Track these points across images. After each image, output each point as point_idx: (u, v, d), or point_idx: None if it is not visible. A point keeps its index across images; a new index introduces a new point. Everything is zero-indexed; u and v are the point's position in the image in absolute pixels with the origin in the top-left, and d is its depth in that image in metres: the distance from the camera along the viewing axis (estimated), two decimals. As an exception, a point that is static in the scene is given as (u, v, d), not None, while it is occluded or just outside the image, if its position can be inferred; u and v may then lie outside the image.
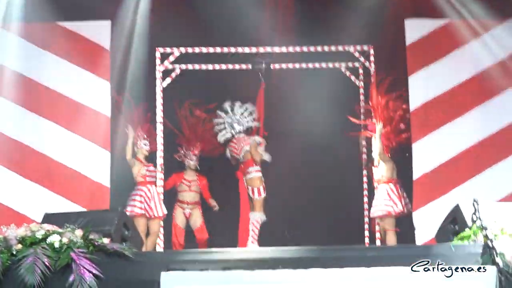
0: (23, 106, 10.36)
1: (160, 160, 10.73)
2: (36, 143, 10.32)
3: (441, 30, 10.63)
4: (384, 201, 10.41)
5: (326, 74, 11.31)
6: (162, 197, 10.72)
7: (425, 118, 10.45)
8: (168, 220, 10.97)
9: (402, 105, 10.62)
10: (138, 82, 10.91)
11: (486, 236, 6.79)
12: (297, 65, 11.27)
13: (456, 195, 9.99)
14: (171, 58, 10.94)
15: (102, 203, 10.09)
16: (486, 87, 10.44)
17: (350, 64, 11.25)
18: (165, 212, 10.69)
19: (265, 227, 10.95)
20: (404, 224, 10.43)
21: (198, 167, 11.28)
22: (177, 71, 11.05)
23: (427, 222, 9.87)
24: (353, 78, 11.23)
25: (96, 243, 6.98)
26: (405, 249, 7.66)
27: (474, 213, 7.01)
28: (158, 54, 10.91)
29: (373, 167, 10.74)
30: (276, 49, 11.07)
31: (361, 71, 11.21)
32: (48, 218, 7.55)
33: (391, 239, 10.35)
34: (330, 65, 11.25)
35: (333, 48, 11.03)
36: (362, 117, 11.06)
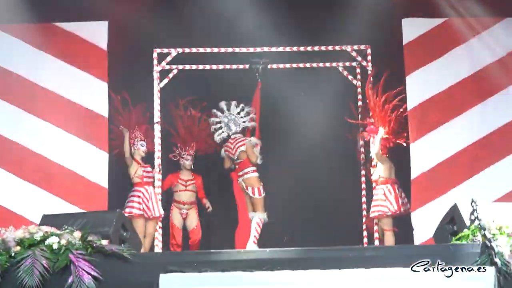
0: (20, 107, 10.33)
1: (157, 161, 10.72)
2: (34, 144, 10.29)
3: (438, 29, 10.62)
4: (381, 201, 10.41)
5: (323, 74, 11.32)
6: (160, 197, 10.72)
7: (423, 117, 10.43)
8: (166, 221, 10.97)
9: (399, 105, 10.60)
10: (135, 83, 10.92)
11: (484, 236, 6.79)
12: (294, 65, 11.28)
13: (454, 195, 9.95)
14: (169, 59, 10.93)
15: (100, 204, 10.06)
16: (483, 86, 10.42)
17: (347, 64, 11.25)
18: (162, 212, 10.69)
19: (262, 228, 10.93)
20: (402, 224, 10.42)
21: (193, 167, 11.28)
22: (175, 71, 11.04)
23: (425, 222, 9.85)
24: (350, 77, 11.22)
25: (94, 245, 6.97)
26: (403, 249, 7.65)
27: (472, 213, 7.02)
28: (155, 55, 10.90)
29: (371, 168, 10.74)
30: (273, 49, 11.07)
31: (358, 70, 11.21)
32: (46, 220, 7.54)
33: (389, 240, 10.34)
34: (328, 64, 11.24)
35: (330, 47, 11.03)
36: (359, 116, 11.06)
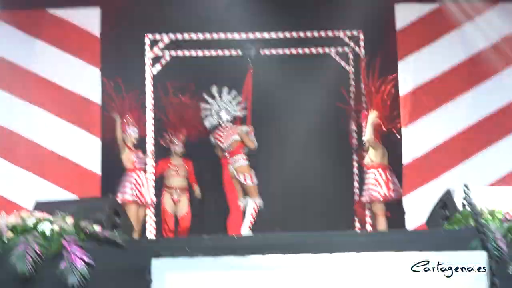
0: (13, 93, 10.32)
1: (150, 147, 10.73)
2: (26, 131, 10.28)
3: (431, 14, 10.60)
4: (372, 186, 10.42)
5: (315, 59, 11.32)
6: (153, 184, 10.73)
7: (415, 103, 10.43)
8: (158, 207, 10.98)
9: (392, 90, 10.59)
10: (128, 69, 10.90)
11: (476, 221, 6.79)
12: (286, 51, 11.27)
13: (446, 180, 9.99)
14: (161, 45, 10.92)
15: (93, 190, 10.08)
16: (476, 72, 10.41)
17: (340, 49, 11.25)
18: (154, 199, 10.70)
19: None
20: (394, 209, 10.44)
21: (184, 153, 11.28)
22: (167, 57, 11.03)
23: (417, 207, 9.89)
24: (343, 63, 11.23)
25: (87, 231, 6.95)
26: (395, 235, 7.66)
27: (465, 198, 7.01)
28: (147, 41, 10.88)
29: (363, 153, 10.75)
30: (266, 35, 11.06)
31: (351, 56, 11.22)
32: (39, 206, 7.53)
33: (382, 224, 10.36)
34: (320, 50, 11.24)
35: (322, 33, 11.03)
36: (352, 102, 11.06)
